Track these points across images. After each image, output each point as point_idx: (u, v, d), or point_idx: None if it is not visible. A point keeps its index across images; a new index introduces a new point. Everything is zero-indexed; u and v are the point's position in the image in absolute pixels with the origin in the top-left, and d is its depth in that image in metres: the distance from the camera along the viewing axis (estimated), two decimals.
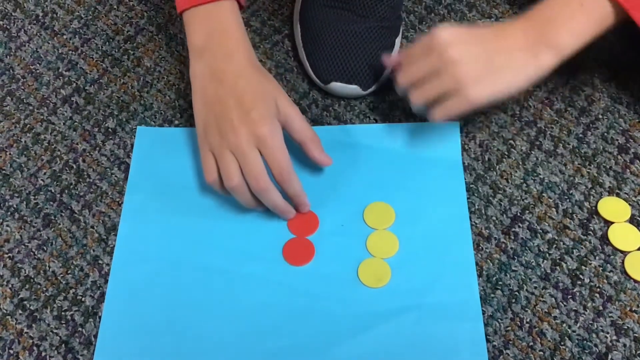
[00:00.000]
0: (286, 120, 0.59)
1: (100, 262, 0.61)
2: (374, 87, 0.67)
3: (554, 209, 0.61)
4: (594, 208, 0.61)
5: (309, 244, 0.60)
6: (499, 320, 0.56)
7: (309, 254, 0.60)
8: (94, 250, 0.62)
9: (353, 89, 0.66)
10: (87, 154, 0.67)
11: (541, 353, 0.55)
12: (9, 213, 0.64)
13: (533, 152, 0.64)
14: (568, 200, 0.61)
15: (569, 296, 0.57)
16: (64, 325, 0.58)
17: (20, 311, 0.59)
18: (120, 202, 0.64)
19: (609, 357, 0.54)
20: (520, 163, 0.64)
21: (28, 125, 0.70)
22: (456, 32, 0.57)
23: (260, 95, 0.58)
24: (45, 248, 0.62)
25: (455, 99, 0.57)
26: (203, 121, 0.59)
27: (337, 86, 0.66)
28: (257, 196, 0.58)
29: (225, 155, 0.57)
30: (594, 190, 0.62)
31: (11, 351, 0.57)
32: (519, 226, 0.60)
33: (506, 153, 0.64)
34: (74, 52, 0.75)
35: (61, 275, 0.61)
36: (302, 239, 0.61)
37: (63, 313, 0.59)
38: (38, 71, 0.74)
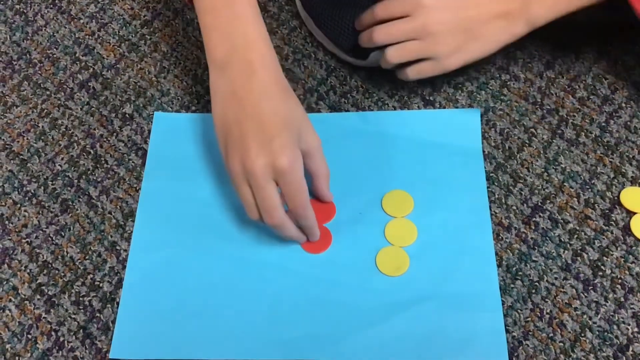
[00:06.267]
0: (308, 151, 0.55)
1: (117, 248, 0.61)
2: None
3: (575, 199, 0.60)
4: (616, 198, 0.60)
5: (326, 232, 0.60)
6: (519, 310, 0.56)
7: (326, 242, 0.60)
8: (111, 236, 0.62)
9: None
10: (105, 139, 0.67)
11: (561, 344, 0.54)
12: (26, 198, 0.64)
13: (554, 140, 0.63)
14: (590, 190, 0.61)
15: (590, 287, 0.56)
16: (82, 310, 0.58)
17: (38, 296, 0.59)
18: (137, 188, 0.64)
19: (630, 349, 0.54)
20: (542, 152, 0.63)
21: (45, 110, 0.70)
22: None
23: (283, 122, 0.53)
24: (63, 233, 0.62)
25: (430, 64, 0.60)
26: (224, 143, 0.55)
27: (378, 54, 0.65)
28: (270, 228, 0.56)
29: (243, 188, 0.54)
30: (616, 180, 0.61)
31: (29, 336, 0.58)
32: (540, 216, 0.60)
33: (527, 141, 0.63)
34: (90, 37, 0.74)
35: (79, 260, 0.61)
36: (320, 227, 0.60)
37: (81, 298, 0.59)
38: (55, 56, 0.73)
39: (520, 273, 0.57)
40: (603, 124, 0.64)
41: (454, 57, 0.60)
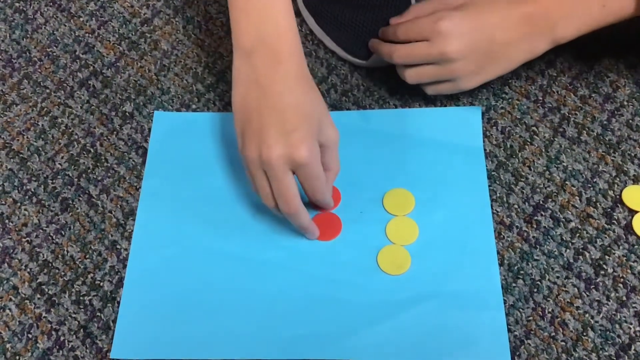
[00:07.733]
0: (325, 145, 0.55)
1: (118, 247, 0.61)
2: None
3: (577, 198, 0.60)
4: (618, 197, 0.60)
5: (337, 219, 0.60)
6: (521, 309, 0.56)
7: (336, 229, 0.60)
8: (112, 235, 0.61)
9: None
10: (105, 138, 0.67)
11: (563, 343, 0.54)
12: (26, 197, 0.64)
13: (556, 139, 0.63)
14: (592, 188, 0.60)
15: (592, 286, 0.56)
16: (82, 310, 0.58)
17: (38, 295, 0.59)
18: (138, 187, 0.64)
19: (632, 348, 0.53)
20: (543, 150, 0.63)
21: (45, 109, 0.69)
22: (458, 24, 0.57)
23: (304, 114, 0.53)
24: (63, 232, 0.62)
25: (448, 84, 0.61)
26: (241, 129, 0.55)
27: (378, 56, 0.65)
28: (285, 216, 0.56)
29: (259, 175, 0.54)
30: (618, 179, 0.61)
31: (30, 335, 0.57)
32: (542, 214, 0.60)
33: (529, 140, 0.63)
34: (90, 35, 0.74)
35: (79, 259, 0.61)
36: (329, 214, 0.60)
37: (81, 298, 0.59)
38: (55, 54, 0.73)
39: (522, 272, 0.57)
40: (605, 122, 0.64)
41: (472, 79, 0.60)
